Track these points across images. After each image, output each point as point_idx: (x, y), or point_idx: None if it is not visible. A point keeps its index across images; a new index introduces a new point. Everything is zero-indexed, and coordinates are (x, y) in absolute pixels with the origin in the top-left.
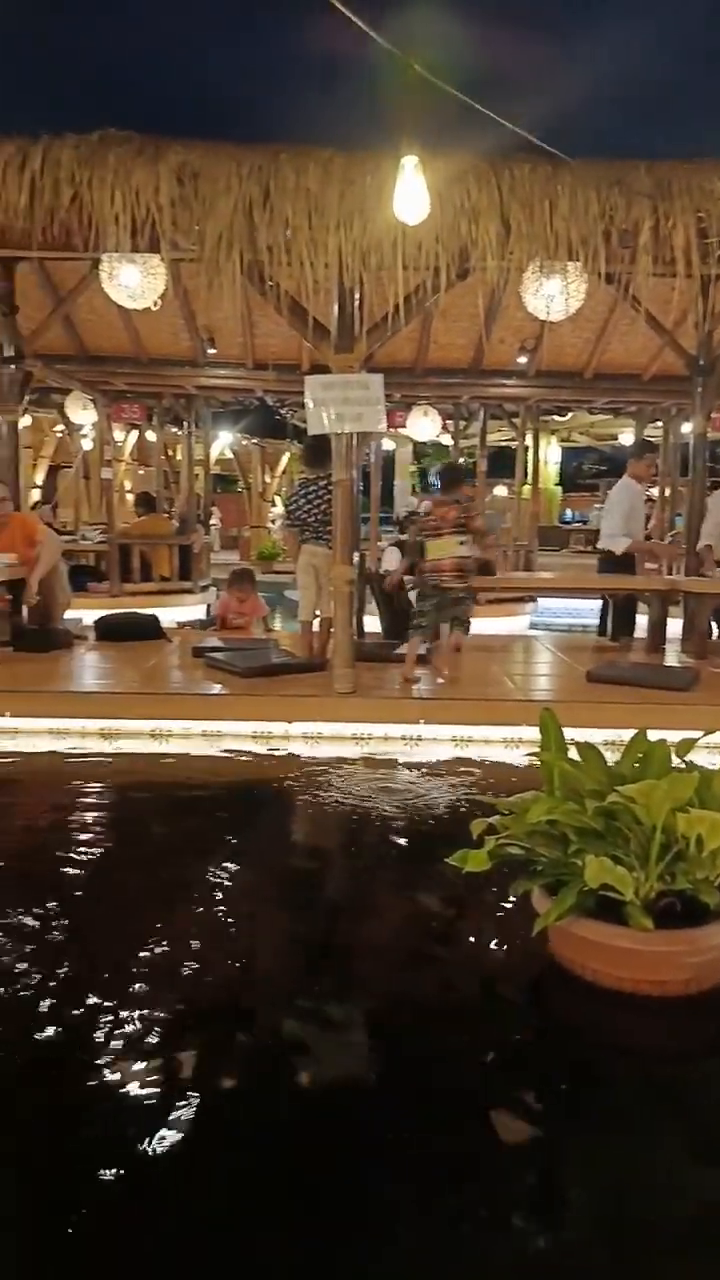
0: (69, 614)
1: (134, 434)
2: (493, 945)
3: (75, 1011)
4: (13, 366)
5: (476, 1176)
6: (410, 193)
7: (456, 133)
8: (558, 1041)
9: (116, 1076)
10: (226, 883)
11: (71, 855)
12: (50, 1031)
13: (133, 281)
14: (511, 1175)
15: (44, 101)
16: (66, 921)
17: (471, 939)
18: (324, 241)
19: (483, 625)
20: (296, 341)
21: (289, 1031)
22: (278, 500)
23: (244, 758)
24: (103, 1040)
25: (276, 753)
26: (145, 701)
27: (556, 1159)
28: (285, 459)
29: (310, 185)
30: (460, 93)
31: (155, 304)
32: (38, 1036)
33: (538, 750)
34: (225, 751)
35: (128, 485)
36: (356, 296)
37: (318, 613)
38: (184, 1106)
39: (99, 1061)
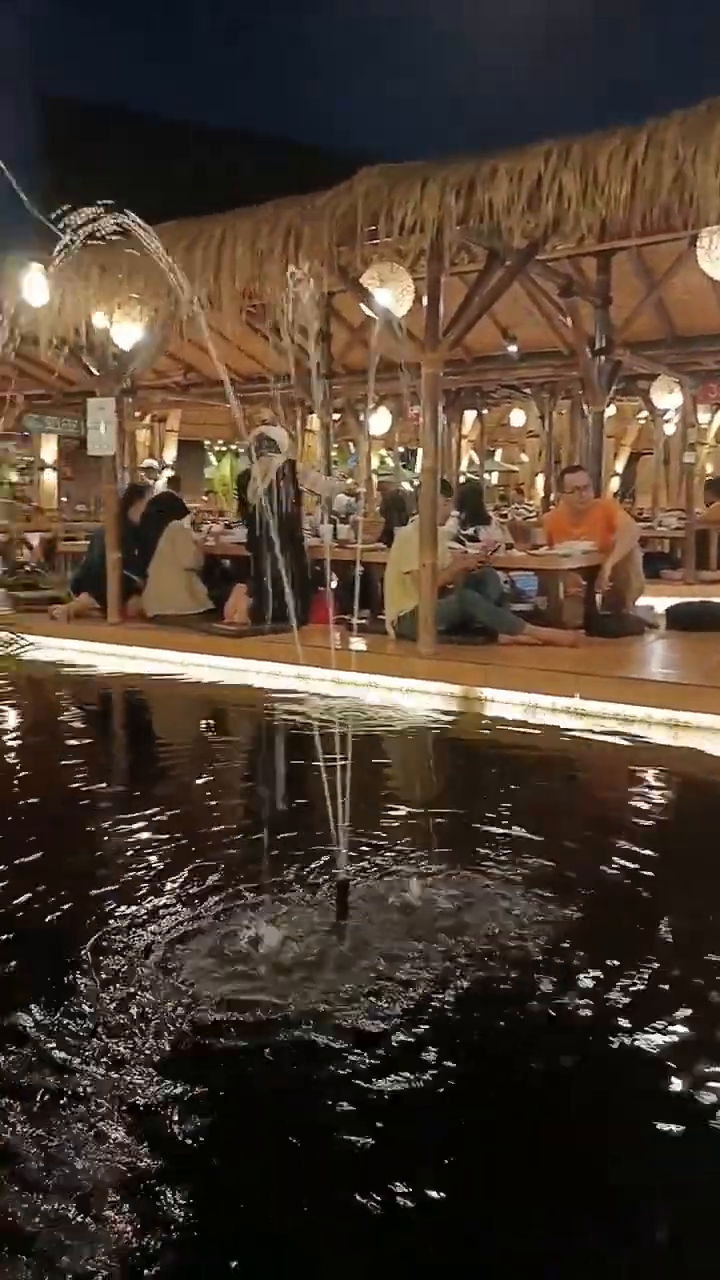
0: (641, 601)
1: None
2: None
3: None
4: (603, 359)
5: None
6: None
7: None
8: None
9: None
10: None
11: (617, 847)
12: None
13: None
14: None
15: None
16: (592, 922)
17: None
18: None
19: None
20: None
21: None
22: None
23: None
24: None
25: None
26: (717, 696)
27: None
28: None
29: None
30: None
31: None
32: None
33: None
34: None
35: (709, 469)
36: None
37: None
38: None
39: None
